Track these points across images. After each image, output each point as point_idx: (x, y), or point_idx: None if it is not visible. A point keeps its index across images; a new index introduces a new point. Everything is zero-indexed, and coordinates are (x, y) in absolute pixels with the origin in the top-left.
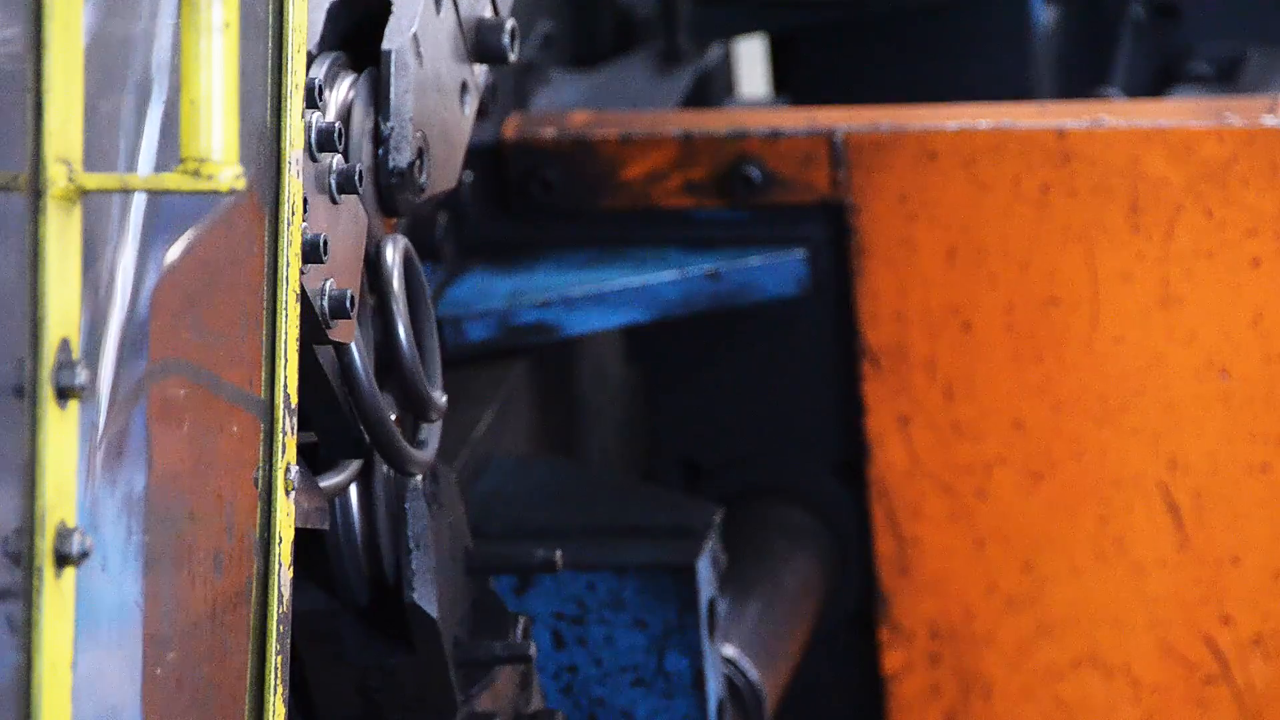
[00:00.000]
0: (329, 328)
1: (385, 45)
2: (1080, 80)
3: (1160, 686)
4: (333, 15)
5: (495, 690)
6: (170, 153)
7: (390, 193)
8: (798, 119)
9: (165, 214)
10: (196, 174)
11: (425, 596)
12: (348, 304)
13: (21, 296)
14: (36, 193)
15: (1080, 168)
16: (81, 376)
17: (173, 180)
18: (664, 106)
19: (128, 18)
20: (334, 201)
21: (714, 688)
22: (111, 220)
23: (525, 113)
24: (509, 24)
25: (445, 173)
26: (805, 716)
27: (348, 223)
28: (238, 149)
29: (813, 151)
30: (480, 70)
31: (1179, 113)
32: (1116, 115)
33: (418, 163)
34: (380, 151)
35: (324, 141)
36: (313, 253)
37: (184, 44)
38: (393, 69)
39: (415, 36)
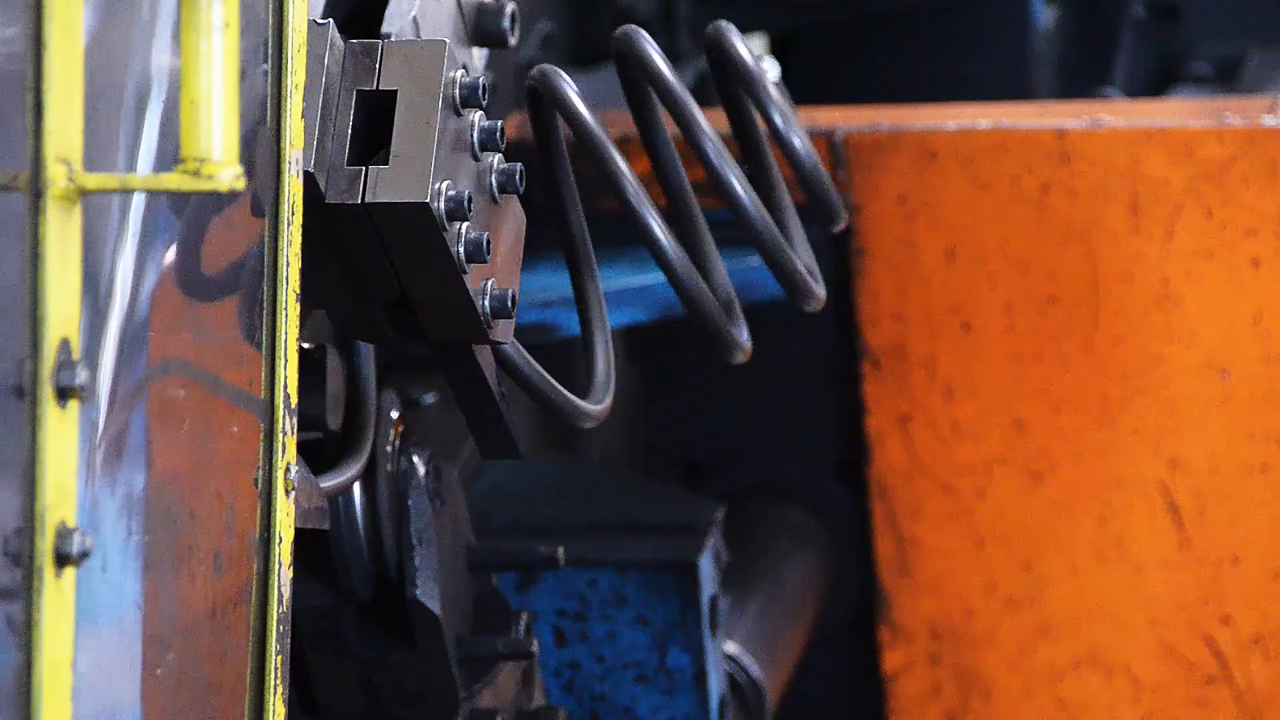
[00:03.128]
0: (490, 328)
1: (385, 29)
2: (1080, 80)
3: (1160, 686)
4: None
5: (497, 687)
6: (170, 153)
7: None
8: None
9: (165, 214)
10: (196, 174)
11: (428, 593)
12: (509, 303)
13: (21, 296)
14: (36, 193)
15: (1080, 168)
16: (81, 376)
17: (173, 180)
18: None
19: (128, 18)
20: (495, 201)
21: (716, 684)
22: (111, 220)
23: (525, 113)
24: (509, 7)
25: None
26: (805, 716)
27: (509, 222)
28: (238, 149)
29: None
30: (480, 54)
31: (1179, 113)
32: (1116, 115)
33: None
34: None
35: (486, 141)
36: (476, 252)
37: (184, 44)
38: None
39: (415, 20)
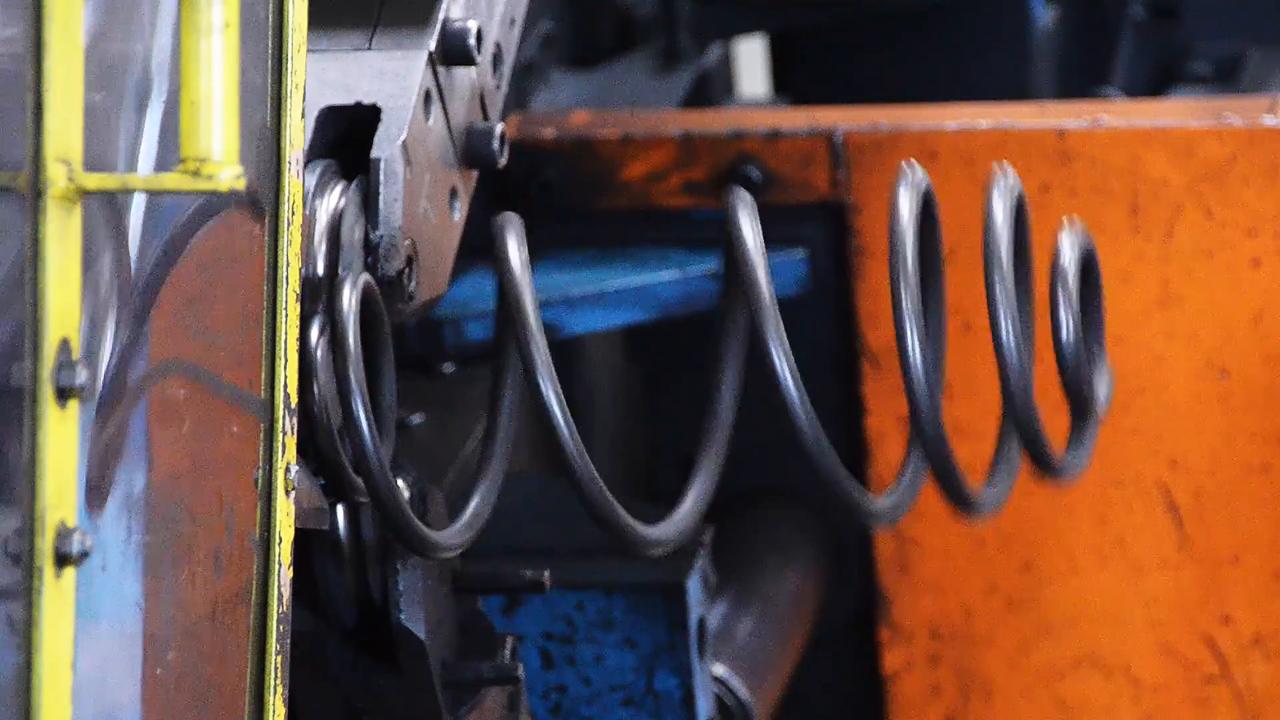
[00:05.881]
0: None
1: (374, 154)
2: (1080, 80)
3: (1160, 686)
4: (322, 123)
5: (483, 711)
6: (170, 153)
7: None
8: (798, 119)
9: (165, 214)
10: (196, 174)
11: (413, 618)
12: None
13: (21, 296)
14: (36, 193)
15: (1080, 168)
16: (81, 376)
17: (173, 180)
18: (664, 106)
19: (128, 18)
20: None
21: (703, 707)
22: (111, 220)
23: (525, 113)
24: (498, 129)
25: (434, 280)
26: (805, 717)
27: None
28: (238, 149)
29: (813, 151)
30: (471, 176)
31: (1179, 113)
32: (1116, 115)
33: (407, 271)
34: (370, 260)
35: None
36: None
37: (184, 44)
38: (382, 178)
39: (404, 145)
